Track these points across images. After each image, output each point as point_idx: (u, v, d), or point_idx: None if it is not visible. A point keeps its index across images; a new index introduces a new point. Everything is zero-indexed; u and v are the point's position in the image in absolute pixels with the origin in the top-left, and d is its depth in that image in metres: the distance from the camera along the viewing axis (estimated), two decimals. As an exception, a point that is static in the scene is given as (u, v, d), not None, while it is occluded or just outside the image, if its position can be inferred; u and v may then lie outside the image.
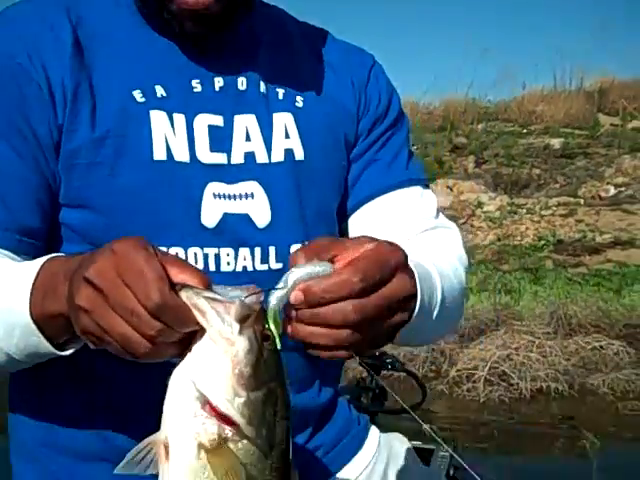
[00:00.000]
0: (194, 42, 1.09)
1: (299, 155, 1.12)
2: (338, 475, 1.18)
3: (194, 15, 1.01)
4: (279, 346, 0.72)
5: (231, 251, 1.03)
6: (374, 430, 1.27)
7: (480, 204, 9.53)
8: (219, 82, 1.09)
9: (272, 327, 0.72)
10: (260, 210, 1.06)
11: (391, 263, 0.75)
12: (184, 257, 1.01)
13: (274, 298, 0.72)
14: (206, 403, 0.68)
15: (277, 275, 0.78)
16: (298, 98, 1.15)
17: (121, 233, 0.78)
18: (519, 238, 8.63)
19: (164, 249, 0.92)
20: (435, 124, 12.79)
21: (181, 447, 0.68)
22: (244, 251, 1.04)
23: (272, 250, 1.06)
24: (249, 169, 1.08)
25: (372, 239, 0.77)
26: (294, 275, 0.72)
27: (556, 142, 11.55)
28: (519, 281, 7.47)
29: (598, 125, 12.31)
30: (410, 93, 13.71)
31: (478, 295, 7.23)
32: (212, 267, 1.02)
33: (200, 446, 0.68)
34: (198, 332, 0.69)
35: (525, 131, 12.43)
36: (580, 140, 11.65)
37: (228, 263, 1.03)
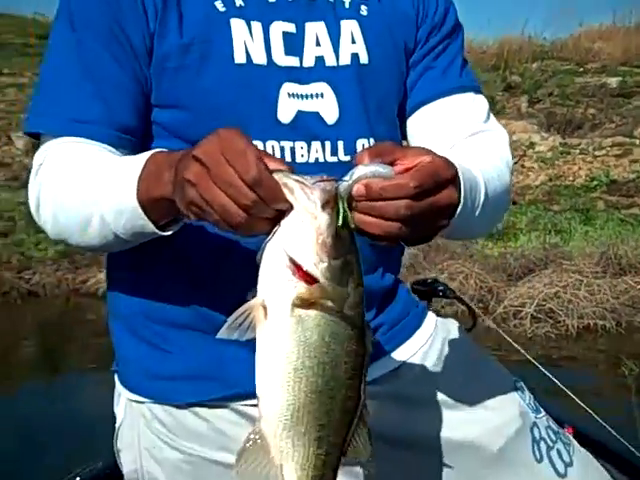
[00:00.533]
0: None
1: (364, 59, 1.22)
2: (399, 350, 1.29)
3: None
4: (352, 225, 0.85)
5: (304, 144, 1.16)
6: (431, 314, 1.39)
7: (532, 144, 9.43)
8: None
9: (343, 208, 0.85)
10: (329, 108, 1.17)
11: (443, 177, 0.87)
12: (263, 149, 1.13)
13: (341, 187, 0.85)
14: (297, 268, 0.81)
15: (345, 166, 0.91)
16: (362, 7, 1.24)
17: (206, 129, 0.91)
18: (571, 178, 8.56)
19: None
20: (489, 63, 12.58)
21: (277, 307, 0.81)
22: (316, 144, 1.16)
23: (340, 144, 1.18)
24: (319, 71, 1.18)
25: (430, 152, 0.88)
26: (359, 171, 0.84)
27: (613, 81, 11.28)
28: (569, 221, 7.46)
29: (657, 63, 11.97)
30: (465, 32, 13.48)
31: (528, 235, 7.25)
32: (288, 158, 1.15)
33: (294, 304, 0.80)
34: (286, 212, 0.81)
35: (581, 69, 12.14)
36: (638, 78, 11.36)
37: (302, 155, 1.16)
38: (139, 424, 1.22)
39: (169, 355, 1.20)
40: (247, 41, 1.14)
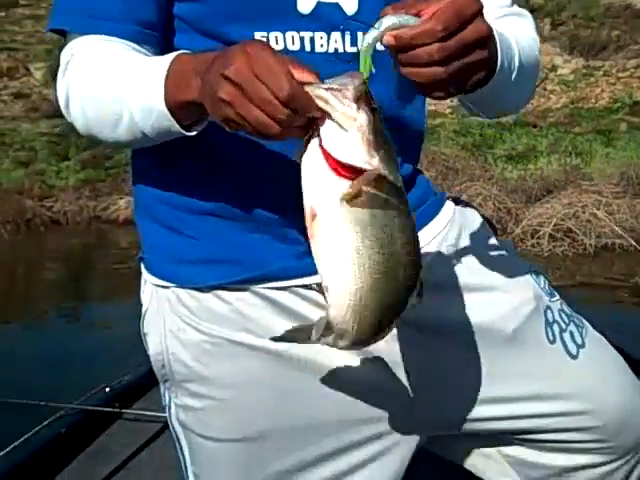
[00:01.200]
0: None
1: None
2: (421, 232, 1.32)
3: None
4: (373, 70, 0.91)
5: (324, 35, 1.16)
6: (450, 202, 1.41)
7: (554, 67, 9.29)
8: None
9: (365, 63, 0.90)
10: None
11: (468, 12, 0.91)
12: (283, 39, 1.14)
13: (369, 37, 0.89)
14: (343, 169, 0.86)
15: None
16: None
17: (226, 21, 0.97)
18: (593, 101, 8.44)
19: (264, 33, 1.09)
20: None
21: (328, 205, 0.85)
22: (335, 35, 1.17)
23: (360, 35, 1.18)
24: None
25: None
26: (387, 21, 0.87)
27: (638, 1, 11.02)
28: (591, 143, 7.38)
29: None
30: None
31: (548, 157, 7.20)
32: (307, 48, 1.15)
33: (343, 200, 0.86)
34: (318, 119, 0.83)
35: (606, -9, 11.87)
36: (665, -2, 11.08)
37: (321, 45, 1.16)
38: (164, 308, 1.26)
39: (193, 241, 1.23)
40: None
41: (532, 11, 8.95)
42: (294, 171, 0.99)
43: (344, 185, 0.87)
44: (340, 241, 0.89)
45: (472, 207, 1.93)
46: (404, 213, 0.91)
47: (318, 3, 1.17)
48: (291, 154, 1.00)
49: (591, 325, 1.36)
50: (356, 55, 1.20)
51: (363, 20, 1.20)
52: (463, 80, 0.96)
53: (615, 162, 6.82)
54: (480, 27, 0.94)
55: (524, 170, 6.92)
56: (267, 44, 0.88)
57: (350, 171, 0.86)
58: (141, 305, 1.32)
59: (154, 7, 1.18)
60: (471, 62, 0.95)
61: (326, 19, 1.18)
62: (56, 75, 1.17)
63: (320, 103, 0.86)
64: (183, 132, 1.04)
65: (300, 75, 0.88)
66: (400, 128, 1.28)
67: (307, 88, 0.86)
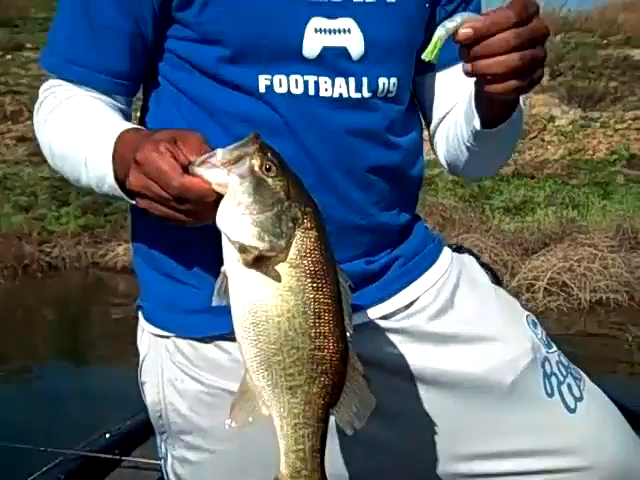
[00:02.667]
0: None
1: None
2: (414, 284, 1.34)
3: None
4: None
5: (328, 79, 1.19)
6: (447, 249, 1.43)
7: (552, 118, 9.37)
8: None
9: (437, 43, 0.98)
10: (355, 44, 1.19)
11: (532, 8, 0.99)
12: (287, 82, 1.17)
13: (444, 28, 0.97)
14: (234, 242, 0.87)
15: (368, 102, 1.13)
16: None
17: (231, 63, 1.09)
18: (591, 152, 8.51)
19: (268, 76, 1.15)
20: (511, 36, 12.46)
21: (230, 271, 0.88)
22: (340, 80, 1.19)
23: (364, 80, 1.21)
24: (347, 7, 1.19)
25: None
26: (462, 15, 0.97)
27: (637, 53, 11.14)
28: (587, 195, 7.43)
29: (682, 35, 11.78)
30: (487, 3, 13.36)
31: (545, 209, 7.24)
32: (311, 92, 1.18)
33: (242, 265, 0.86)
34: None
35: (605, 42, 12.00)
36: (662, 51, 11.21)
37: (326, 90, 1.19)
38: (162, 357, 1.28)
39: (194, 290, 1.26)
40: None
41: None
42: None
43: (241, 254, 0.87)
44: (240, 310, 0.90)
45: (472, 254, 1.93)
46: (315, 285, 0.89)
47: (324, 48, 1.19)
48: None
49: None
50: (360, 101, 1.22)
51: (369, 66, 1.23)
52: (531, 73, 1.00)
53: (611, 215, 6.86)
54: (542, 23, 1.00)
55: (521, 222, 6.96)
56: (157, 141, 0.92)
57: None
58: (138, 353, 1.34)
59: (130, 58, 1.21)
60: (537, 55, 1.02)
61: (331, 64, 1.20)
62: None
63: (200, 179, 0.89)
64: (135, 202, 1.07)
65: (189, 155, 0.91)
66: (397, 177, 1.31)
67: (191, 168, 0.88)
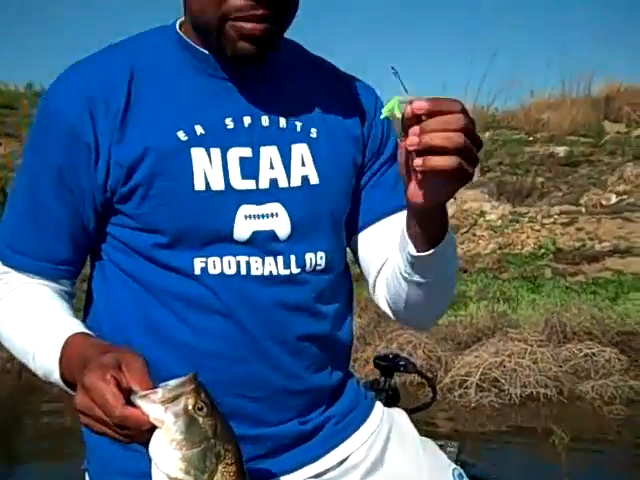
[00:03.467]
0: (230, 81, 1.30)
1: (313, 180, 1.34)
2: (347, 442, 1.41)
3: (248, 37, 1.22)
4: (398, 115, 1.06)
5: (259, 259, 1.28)
6: (378, 404, 1.51)
7: (483, 213, 9.70)
8: (247, 120, 1.30)
9: (393, 104, 1.05)
10: (282, 226, 1.30)
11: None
12: (220, 264, 1.28)
13: (401, 98, 1.04)
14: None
15: (297, 277, 1.23)
16: (313, 130, 1.36)
17: (167, 248, 1.18)
18: (520, 247, 8.80)
19: (203, 259, 1.24)
20: (442, 133, 12.90)
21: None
22: (269, 259, 1.29)
23: (292, 258, 1.31)
24: (273, 193, 1.30)
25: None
26: (410, 97, 1.05)
27: (561, 150, 11.69)
28: (517, 289, 7.64)
29: (603, 132, 12.43)
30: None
31: (477, 303, 7.41)
32: (243, 272, 1.28)
33: None
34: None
35: (531, 139, 12.56)
36: (585, 148, 11.78)
37: (257, 268, 1.29)
38: None
39: (138, 454, 1.31)
40: (206, 169, 1.26)
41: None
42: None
43: None
44: None
45: (409, 362, 1.99)
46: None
47: (254, 232, 1.30)
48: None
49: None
50: (289, 277, 1.33)
51: (296, 245, 1.33)
52: (470, 161, 1.06)
53: (540, 308, 7.06)
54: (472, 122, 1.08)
55: (454, 316, 7.10)
56: (104, 369, 1.01)
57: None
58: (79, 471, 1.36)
59: (71, 247, 1.32)
60: (474, 147, 1.06)
61: (261, 245, 1.32)
62: None
63: (140, 411, 0.99)
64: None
65: (131, 384, 1.03)
66: (328, 343, 1.41)
67: (131, 398, 0.99)
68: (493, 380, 5.64)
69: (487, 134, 12.69)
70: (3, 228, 1.31)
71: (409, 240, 1.23)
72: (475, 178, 10.90)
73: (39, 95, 15.76)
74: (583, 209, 9.70)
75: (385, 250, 1.42)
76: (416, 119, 1.04)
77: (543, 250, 8.65)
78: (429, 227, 1.19)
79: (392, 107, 1.07)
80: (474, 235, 9.19)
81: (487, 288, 7.70)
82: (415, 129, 1.03)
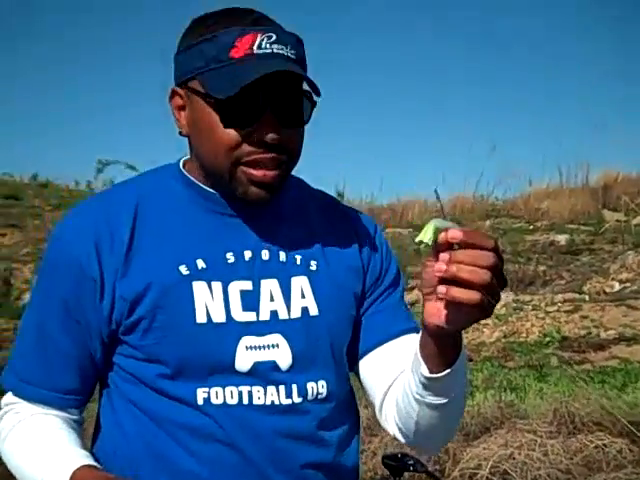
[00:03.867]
0: (233, 218, 1.35)
1: (313, 312, 1.37)
2: None
3: (258, 184, 1.27)
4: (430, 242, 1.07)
5: (261, 389, 1.30)
6: None
7: (486, 301, 9.69)
8: (248, 254, 1.34)
9: (436, 227, 1.05)
10: (284, 357, 1.32)
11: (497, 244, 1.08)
12: (223, 394, 1.30)
13: (437, 221, 1.05)
14: None
15: (299, 406, 1.26)
16: (312, 263, 1.40)
17: (170, 378, 1.22)
18: (524, 335, 8.76)
19: (206, 389, 1.27)
20: (443, 221, 13.02)
21: None
22: (271, 389, 1.31)
23: (294, 387, 1.33)
24: (274, 324, 1.33)
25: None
26: (447, 223, 1.06)
27: (562, 238, 11.79)
28: (524, 378, 7.56)
29: (603, 221, 12.56)
30: (420, 192, 14.13)
31: (484, 393, 7.32)
32: (245, 401, 1.30)
33: None
34: None
35: (531, 227, 12.69)
36: (585, 236, 11.88)
37: (259, 398, 1.31)
38: None
39: None
40: (208, 302, 1.29)
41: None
42: None
43: None
44: None
45: (418, 462, 1.98)
46: None
47: (255, 362, 1.32)
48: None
49: None
50: (291, 406, 1.34)
51: (297, 375, 1.35)
52: (493, 297, 1.06)
53: (548, 398, 6.97)
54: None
55: (461, 406, 7.00)
56: None
57: None
58: None
59: (78, 377, 1.35)
60: (500, 285, 1.07)
61: (263, 375, 1.33)
62: (0, 307, 1.34)
63: None
64: None
65: None
66: (333, 469, 1.40)
67: None
68: (503, 473, 5.51)
69: (488, 223, 12.83)
70: (13, 359, 1.36)
71: (422, 361, 1.24)
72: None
73: (45, 186, 16.01)
74: (586, 297, 9.70)
75: (391, 373, 1.43)
76: (448, 244, 1.05)
77: (548, 338, 8.60)
78: (443, 349, 1.21)
79: (428, 232, 1.08)
80: (479, 324, 9.15)
81: (493, 377, 7.62)
82: (445, 256, 1.05)
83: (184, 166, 1.40)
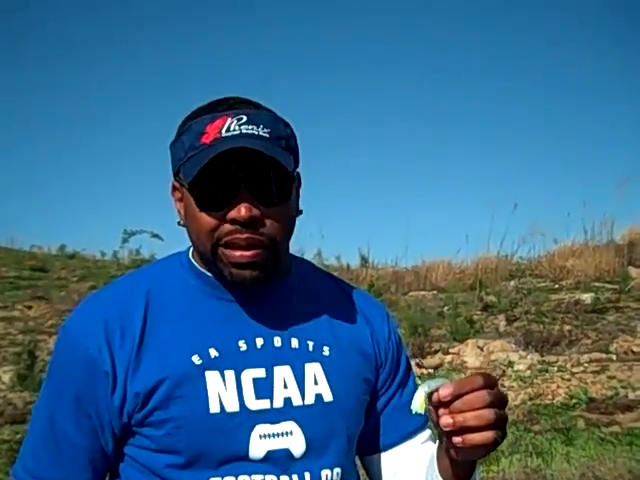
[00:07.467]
0: (238, 303, 1.34)
1: (327, 398, 1.36)
2: None
3: (237, 265, 1.27)
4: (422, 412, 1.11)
5: (274, 477, 1.30)
6: None
7: (511, 363, 9.57)
8: (260, 341, 1.34)
9: (426, 402, 1.10)
10: (297, 444, 1.32)
11: (493, 379, 1.14)
12: None
13: (426, 385, 1.10)
14: None
15: None
16: (325, 348, 1.40)
17: (184, 467, 1.21)
18: (550, 397, 8.60)
19: (219, 478, 1.25)
20: (467, 283, 13.00)
21: None
22: (284, 477, 1.31)
23: (307, 475, 1.33)
24: (287, 411, 1.33)
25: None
26: (431, 382, 1.11)
27: (587, 297, 11.62)
28: (550, 442, 7.41)
29: (628, 278, 12.39)
30: (444, 254, 14.11)
31: (509, 458, 7.18)
32: None
33: None
34: None
35: (556, 286, 12.54)
36: (611, 294, 11.72)
37: None
38: None
39: None
40: (221, 391, 1.29)
41: (486, 308, 9.35)
42: None
43: None
44: None
45: None
46: None
47: (269, 451, 1.33)
48: None
49: None
50: None
51: (311, 462, 1.36)
52: (501, 428, 1.11)
53: (575, 462, 6.82)
54: (503, 392, 1.13)
55: (486, 472, 6.88)
56: None
57: None
58: None
59: (91, 470, 1.36)
60: (505, 414, 1.13)
61: (276, 463, 1.33)
62: (25, 379, 1.35)
63: None
64: None
65: None
66: None
67: None
68: None
69: (512, 283, 12.71)
70: (24, 455, 1.36)
71: (439, 476, 1.27)
72: (502, 328, 10.83)
73: (72, 257, 16.23)
74: (614, 356, 9.54)
75: (406, 474, 1.44)
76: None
77: (575, 400, 8.44)
78: (456, 469, 1.24)
79: (420, 401, 1.15)
80: (503, 386, 9.02)
81: (519, 441, 7.47)
82: (445, 411, 1.11)
83: (193, 254, 1.41)
